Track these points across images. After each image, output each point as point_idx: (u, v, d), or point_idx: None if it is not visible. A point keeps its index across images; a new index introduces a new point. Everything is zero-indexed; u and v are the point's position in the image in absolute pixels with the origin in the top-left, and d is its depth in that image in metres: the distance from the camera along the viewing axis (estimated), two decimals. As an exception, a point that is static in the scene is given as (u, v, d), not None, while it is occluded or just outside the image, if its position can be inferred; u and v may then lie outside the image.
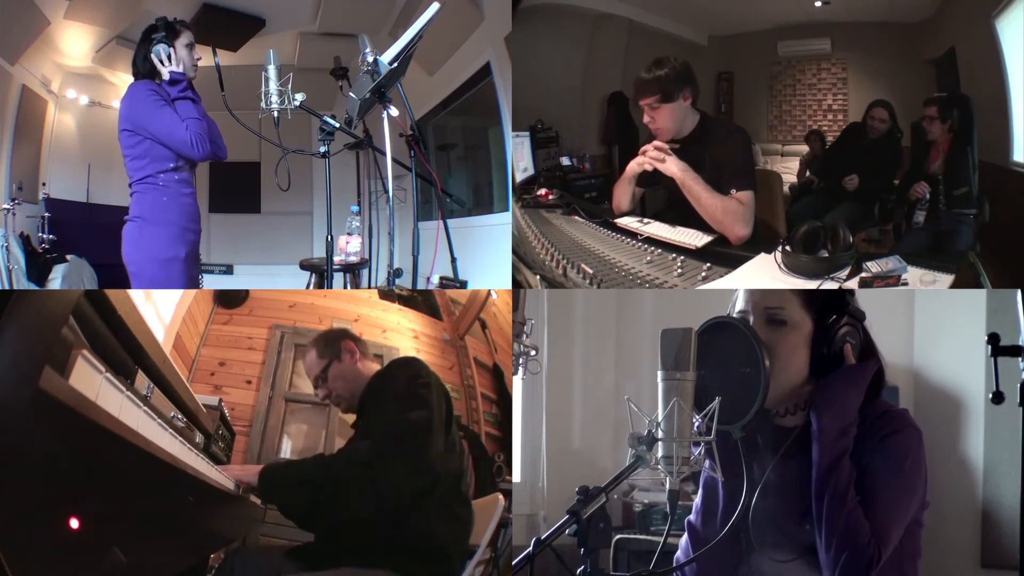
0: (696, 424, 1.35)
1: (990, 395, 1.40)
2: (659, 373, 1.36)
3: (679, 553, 1.55)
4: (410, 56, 2.75)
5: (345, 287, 3.75)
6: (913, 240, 3.07)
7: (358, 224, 3.84)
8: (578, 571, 1.36)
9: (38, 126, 5.53)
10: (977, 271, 2.47)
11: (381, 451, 1.99)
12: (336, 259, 3.46)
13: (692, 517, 1.55)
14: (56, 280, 4.75)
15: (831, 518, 1.36)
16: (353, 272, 3.79)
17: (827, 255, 2.26)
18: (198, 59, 2.90)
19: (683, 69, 2.65)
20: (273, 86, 2.78)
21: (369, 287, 4.03)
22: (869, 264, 2.17)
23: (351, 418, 2.32)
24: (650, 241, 2.67)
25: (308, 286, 3.93)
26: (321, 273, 3.65)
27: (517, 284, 2.64)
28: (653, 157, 2.70)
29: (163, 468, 1.33)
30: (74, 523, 1.04)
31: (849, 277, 2.17)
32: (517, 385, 3.67)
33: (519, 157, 3.68)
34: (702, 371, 1.37)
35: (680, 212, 2.76)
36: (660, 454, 1.33)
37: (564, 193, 3.35)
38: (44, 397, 0.96)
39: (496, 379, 4.50)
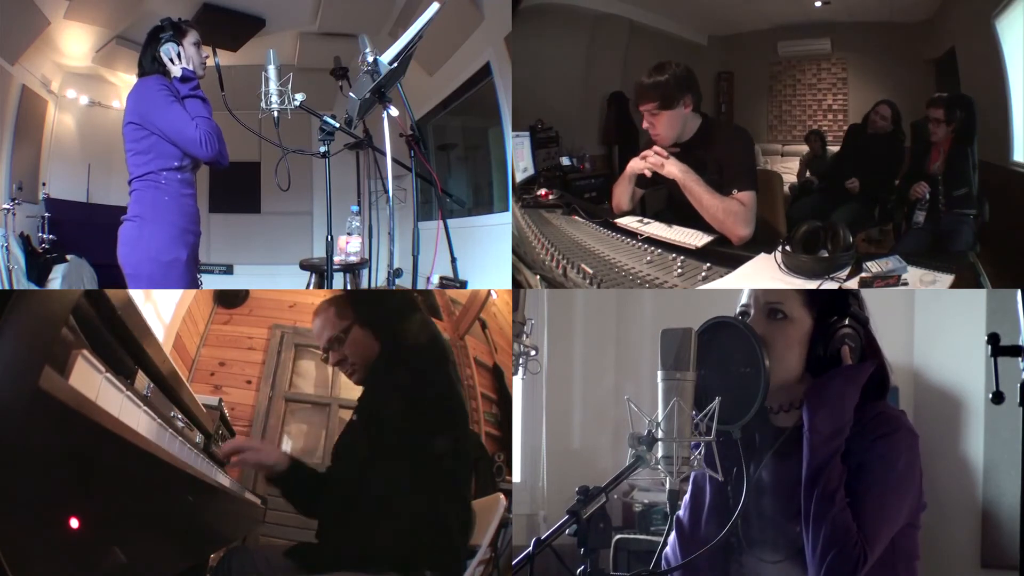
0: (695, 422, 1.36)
1: (990, 395, 1.40)
2: (659, 373, 1.36)
3: (667, 549, 1.54)
4: (410, 56, 2.74)
5: (345, 287, 3.74)
6: (913, 240, 3.07)
7: (358, 224, 3.83)
8: (578, 571, 1.36)
9: (38, 126, 5.53)
10: (977, 271, 2.48)
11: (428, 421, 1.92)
12: (336, 259, 3.46)
13: (681, 512, 1.54)
14: (56, 280, 4.74)
15: (819, 518, 1.36)
16: (353, 272, 3.79)
17: (827, 255, 2.26)
18: (206, 57, 2.89)
19: (684, 75, 2.64)
20: (273, 86, 2.78)
21: (369, 287, 4.03)
22: (869, 264, 2.17)
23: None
24: (650, 241, 2.67)
25: (308, 286, 3.92)
26: (321, 273, 3.64)
27: (517, 284, 2.64)
28: (652, 163, 2.70)
29: (163, 468, 1.33)
30: (74, 523, 1.04)
31: (849, 277, 2.17)
32: (517, 385, 3.67)
33: (519, 157, 3.68)
34: (702, 371, 1.37)
35: (680, 212, 2.76)
36: (660, 454, 1.33)
37: (564, 193, 3.35)
38: (44, 397, 0.96)
39: (496, 379, 4.49)
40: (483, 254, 4.28)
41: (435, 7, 2.68)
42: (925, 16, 3.42)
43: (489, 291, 4.29)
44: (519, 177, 3.59)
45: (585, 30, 4.03)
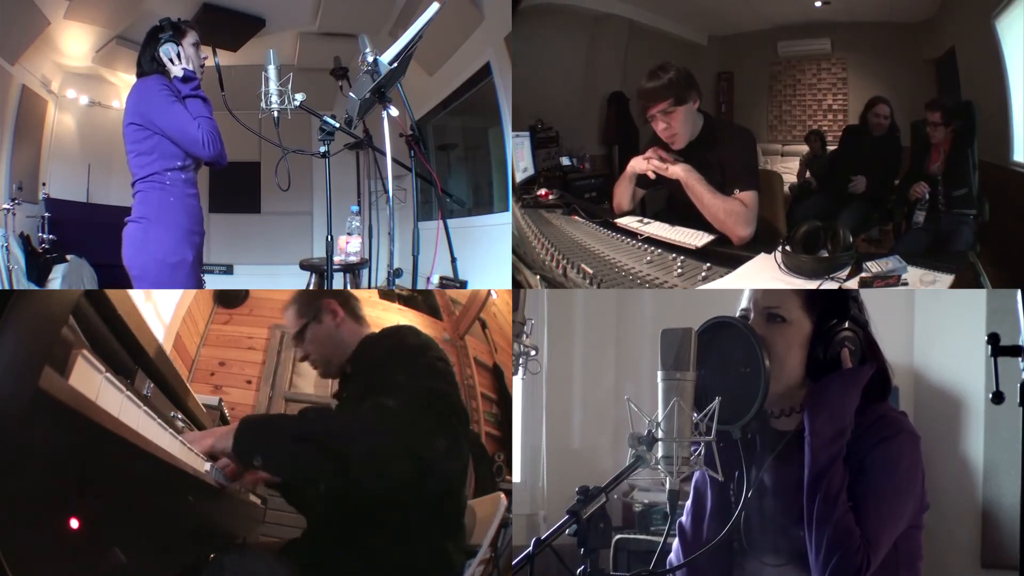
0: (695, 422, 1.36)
1: (990, 395, 1.40)
2: (659, 373, 1.36)
3: (672, 556, 1.55)
4: (410, 56, 2.74)
5: (345, 287, 3.74)
6: (913, 240, 3.07)
7: (358, 224, 3.83)
8: (578, 571, 1.36)
9: (38, 126, 5.53)
10: (977, 271, 2.47)
11: (411, 415, 1.68)
12: (336, 259, 3.46)
13: (683, 519, 1.55)
14: (56, 280, 4.74)
15: (821, 522, 1.35)
16: (353, 272, 3.79)
17: (827, 255, 2.26)
18: (204, 58, 2.89)
19: (687, 73, 2.65)
20: (273, 86, 2.78)
21: (369, 287, 4.03)
22: (869, 264, 2.17)
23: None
24: (650, 241, 2.67)
25: (308, 286, 3.92)
26: (321, 273, 3.64)
27: (517, 284, 2.64)
28: (656, 166, 2.69)
29: (163, 468, 1.33)
30: (74, 523, 1.04)
31: (849, 277, 2.17)
32: (517, 385, 3.67)
33: (519, 157, 3.68)
34: (702, 371, 1.37)
35: (680, 212, 2.76)
36: (660, 454, 1.33)
37: (564, 193, 3.35)
38: (44, 397, 0.96)
39: (496, 379, 4.50)
40: (483, 254, 4.28)
41: (435, 7, 2.68)
42: (925, 16, 3.42)
43: (489, 291, 4.30)
44: (519, 177, 3.59)
45: (585, 30, 4.03)
